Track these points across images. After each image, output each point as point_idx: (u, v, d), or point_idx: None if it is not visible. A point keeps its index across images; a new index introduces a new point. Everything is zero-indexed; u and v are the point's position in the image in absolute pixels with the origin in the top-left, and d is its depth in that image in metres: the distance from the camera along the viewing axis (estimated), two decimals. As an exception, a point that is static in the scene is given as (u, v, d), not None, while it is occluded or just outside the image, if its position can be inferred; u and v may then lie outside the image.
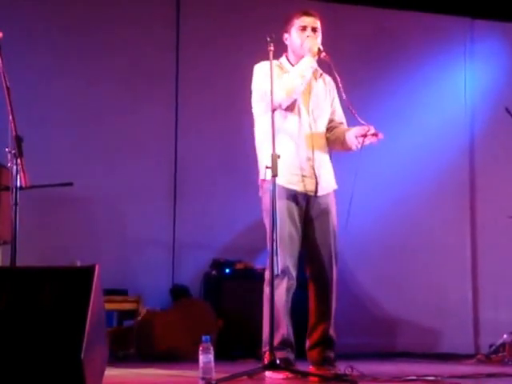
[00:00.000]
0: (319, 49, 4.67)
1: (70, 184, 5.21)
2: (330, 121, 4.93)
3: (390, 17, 7.76)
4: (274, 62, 4.63)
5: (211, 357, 3.94)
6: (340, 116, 4.97)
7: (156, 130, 7.13)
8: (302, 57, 4.72)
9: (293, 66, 4.77)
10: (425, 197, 7.49)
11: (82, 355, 3.27)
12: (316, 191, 4.73)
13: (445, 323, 7.36)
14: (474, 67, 7.87)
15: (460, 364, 6.07)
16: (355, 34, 7.61)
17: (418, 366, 5.68)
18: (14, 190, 4.50)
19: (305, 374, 4.39)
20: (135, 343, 6.15)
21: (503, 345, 6.22)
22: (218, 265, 6.70)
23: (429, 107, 7.68)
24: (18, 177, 4.50)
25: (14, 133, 4.52)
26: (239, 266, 6.61)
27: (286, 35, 4.82)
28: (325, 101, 4.88)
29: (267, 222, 4.51)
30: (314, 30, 4.74)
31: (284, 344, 4.57)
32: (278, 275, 4.31)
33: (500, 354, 6.19)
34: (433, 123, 7.64)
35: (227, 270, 6.60)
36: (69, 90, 6.86)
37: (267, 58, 4.50)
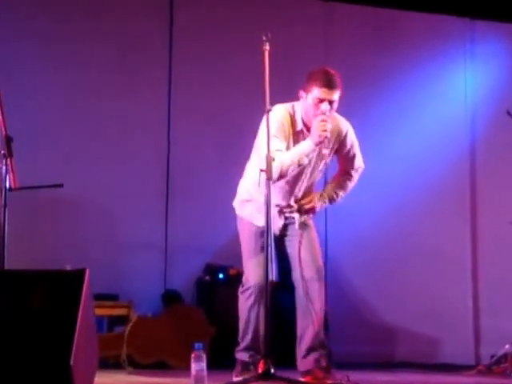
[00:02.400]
0: (326, 137, 4.54)
1: (60, 185, 5.14)
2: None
3: (389, 17, 7.69)
4: (288, 108, 4.64)
5: (204, 365, 3.94)
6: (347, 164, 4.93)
7: (148, 132, 7.07)
8: (310, 122, 4.62)
9: (303, 121, 4.68)
10: (424, 203, 7.42)
11: (72, 361, 3.25)
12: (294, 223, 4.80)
13: (444, 333, 7.29)
14: (474, 68, 7.80)
15: (460, 375, 6.04)
16: (353, 34, 7.55)
17: (416, 377, 5.68)
18: (3, 191, 4.45)
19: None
20: (126, 350, 6.06)
21: (505, 355, 6.13)
22: (211, 270, 6.65)
23: (428, 110, 7.62)
24: (7, 178, 4.44)
25: (3, 132, 4.47)
26: (233, 272, 6.53)
27: (302, 93, 4.67)
28: (327, 157, 4.80)
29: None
30: (331, 102, 4.61)
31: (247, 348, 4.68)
32: (249, 288, 4.58)
33: (502, 365, 6.11)
34: (432, 126, 7.57)
35: (221, 276, 6.54)
36: (57, 89, 6.79)
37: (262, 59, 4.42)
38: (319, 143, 4.53)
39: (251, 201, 4.77)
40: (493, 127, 7.47)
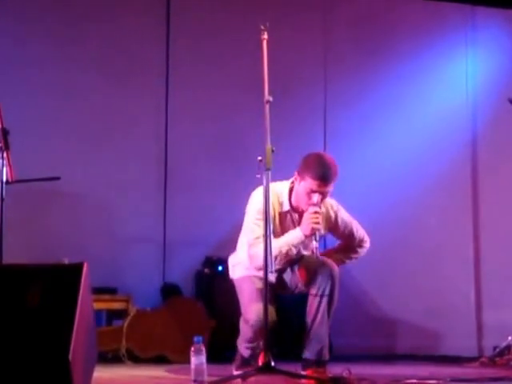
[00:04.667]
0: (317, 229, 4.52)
1: (58, 178, 5.14)
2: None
3: (388, 3, 7.64)
4: (274, 188, 4.58)
5: (203, 358, 3.91)
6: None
7: (146, 125, 7.06)
8: (299, 205, 4.65)
9: (290, 202, 4.68)
10: (425, 195, 7.38)
11: (70, 356, 3.24)
12: None
13: (447, 325, 7.26)
14: (475, 55, 7.73)
15: (463, 367, 6.01)
16: (351, 21, 7.48)
17: (419, 369, 5.66)
18: (0, 184, 4.44)
19: (301, 377, 4.34)
20: (125, 343, 6.04)
21: (508, 347, 6.13)
22: (210, 263, 6.61)
23: (429, 98, 7.55)
24: (4, 171, 4.44)
25: (0, 125, 4.46)
26: (231, 262, 6.51)
27: (297, 176, 4.65)
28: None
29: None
30: (323, 194, 4.59)
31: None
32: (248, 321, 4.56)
33: (505, 357, 6.09)
34: (433, 115, 7.50)
35: (220, 268, 6.47)
36: (56, 84, 6.75)
37: (260, 48, 4.41)
38: (310, 235, 4.52)
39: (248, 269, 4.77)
40: (494, 115, 7.41)
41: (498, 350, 6.26)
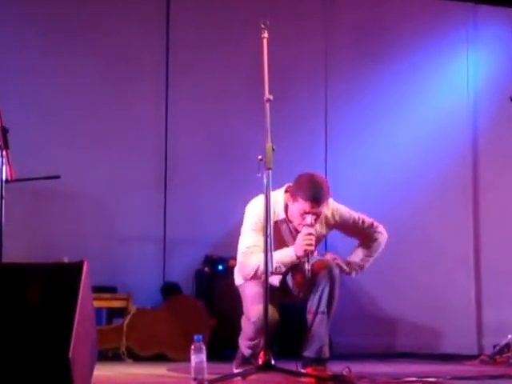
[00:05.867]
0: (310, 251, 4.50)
1: (57, 177, 5.12)
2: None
3: (389, 1, 7.65)
4: (272, 198, 4.47)
5: (203, 357, 3.92)
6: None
7: (146, 124, 7.05)
8: (293, 219, 4.64)
9: (286, 212, 4.68)
10: (425, 193, 7.38)
11: (70, 354, 3.23)
12: None
13: (447, 323, 7.26)
14: (476, 54, 7.71)
15: (463, 365, 5.99)
16: (352, 19, 7.49)
17: (418, 367, 5.64)
18: (0, 183, 4.44)
19: (301, 375, 4.32)
20: (125, 342, 6.04)
21: (507, 345, 6.12)
22: (210, 261, 6.61)
23: (430, 96, 7.54)
24: (4, 169, 4.43)
25: (-1, 124, 4.45)
26: (233, 263, 6.45)
27: (290, 195, 4.64)
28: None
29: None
30: (316, 214, 4.58)
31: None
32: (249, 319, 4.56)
33: (504, 355, 6.07)
34: (433, 113, 7.49)
35: (220, 267, 6.50)
36: (55, 82, 6.75)
37: (260, 46, 4.40)
38: (302, 257, 4.50)
39: None
40: (496, 114, 7.40)
41: (497, 348, 6.25)
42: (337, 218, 4.80)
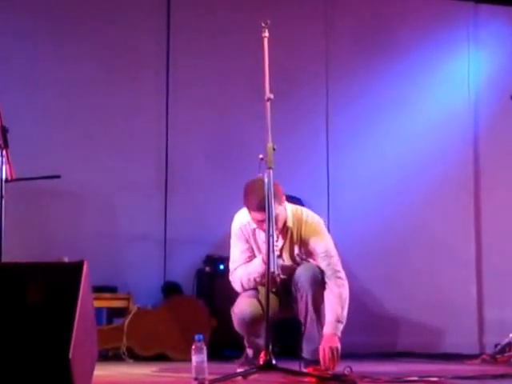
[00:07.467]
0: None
1: (58, 177, 5.11)
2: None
3: (390, 0, 7.66)
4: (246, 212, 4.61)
5: (204, 357, 3.93)
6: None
7: (146, 124, 7.06)
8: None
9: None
10: (427, 191, 7.38)
11: (71, 354, 3.23)
12: None
13: (448, 322, 7.26)
14: (478, 53, 7.71)
15: (464, 364, 5.99)
16: (354, 18, 7.50)
17: (420, 366, 5.65)
18: (0, 182, 4.43)
19: (302, 375, 4.33)
20: (126, 342, 6.04)
21: (509, 344, 6.13)
22: (211, 261, 6.61)
23: (431, 96, 7.54)
24: (4, 169, 4.43)
25: (-1, 123, 4.45)
26: (233, 263, 6.50)
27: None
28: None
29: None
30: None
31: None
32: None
33: (506, 354, 6.08)
34: (435, 112, 7.50)
35: (221, 267, 6.47)
36: (56, 82, 6.76)
37: (261, 46, 4.40)
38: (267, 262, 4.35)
39: None
40: (497, 113, 7.41)
41: (499, 347, 6.27)
42: (303, 234, 4.69)
